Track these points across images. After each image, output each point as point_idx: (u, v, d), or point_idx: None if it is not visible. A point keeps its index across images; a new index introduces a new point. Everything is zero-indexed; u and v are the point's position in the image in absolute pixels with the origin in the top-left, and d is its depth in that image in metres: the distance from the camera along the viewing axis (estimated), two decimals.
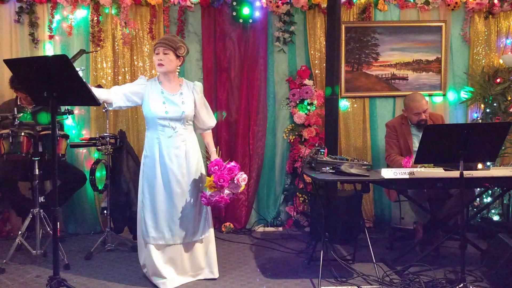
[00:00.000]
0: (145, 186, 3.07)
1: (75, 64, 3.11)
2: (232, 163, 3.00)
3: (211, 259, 3.23)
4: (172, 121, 3.03)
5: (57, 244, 2.66)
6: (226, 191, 2.96)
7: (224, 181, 2.90)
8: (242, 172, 3.01)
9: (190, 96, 3.11)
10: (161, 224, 3.03)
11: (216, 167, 2.95)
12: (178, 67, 3.09)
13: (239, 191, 3.03)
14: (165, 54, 2.98)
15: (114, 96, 2.99)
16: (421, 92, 4.18)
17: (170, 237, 3.05)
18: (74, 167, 4.27)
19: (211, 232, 3.24)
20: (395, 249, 3.92)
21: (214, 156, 3.19)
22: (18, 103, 4.02)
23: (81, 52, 3.96)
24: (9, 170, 3.85)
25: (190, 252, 3.16)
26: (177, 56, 3.03)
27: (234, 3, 4.37)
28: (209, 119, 3.24)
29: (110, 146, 3.86)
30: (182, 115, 3.03)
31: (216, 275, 3.23)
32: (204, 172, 3.21)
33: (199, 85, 3.18)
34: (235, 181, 2.95)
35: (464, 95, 4.70)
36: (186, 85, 3.14)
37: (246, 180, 3.03)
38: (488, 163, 3.30)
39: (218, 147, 3.35)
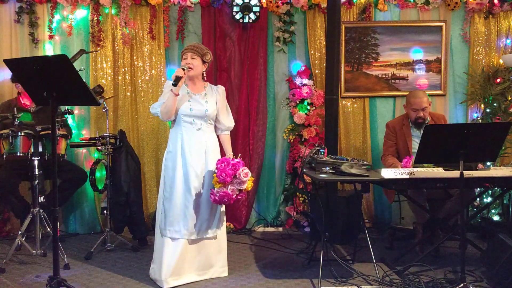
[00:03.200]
0: (166, 179, 3.19)
1: (75, 64, 3.12)
2: (237, 160, 3.08)
3: (223, 257, 3.30)
4: (196, 118, 3.19)
5: (57, 244, 2.66)
6: (230, 187, 3.02)
7: (227, 176, 2.98)
8: (245, 168, 3.06)
9: (213, 97, 3.28)
10: (178, 217, 3.12)
11: (223, 164, 3.03)
12: (204, 72, 3.26)
13: (245, 187, 3.06)
14: (193, 59, 3.20)
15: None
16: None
17: (185, 231, 3.11)
18: (74, 165, 4.26)
19: (224, 230, 3.31)
20: (395, 249, 3.92)
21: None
22: (23, 103, 3.99)
23: (81, 52, 3.97)
24: (11, 170, 3.84)
25: (203, 248, 3.21)
26: (203, 62, 3.23)
27: (234, 3, 4.37)
28: (228, 120, 3.37)
29: (110, 146, 3.86)
30: (205, 113, 3.19)
31: (226, 273, 3.30)
32: None
33: (222, 88, 3.39)
34: (237, 176, 3.00)
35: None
36: (210, 87, 3.34)
37: (249, 175, 3.06)
38: (488, 163, 3.30)
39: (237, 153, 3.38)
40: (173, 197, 3.13)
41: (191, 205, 3.12)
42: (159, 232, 3.17)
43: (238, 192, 3.06)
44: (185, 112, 3.16)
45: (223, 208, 3.29)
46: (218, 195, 3.02)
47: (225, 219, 3.34)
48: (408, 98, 3.87)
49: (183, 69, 3.10)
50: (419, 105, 3.77)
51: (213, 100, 3.26)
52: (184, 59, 3.20)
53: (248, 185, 3.07)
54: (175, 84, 3.02)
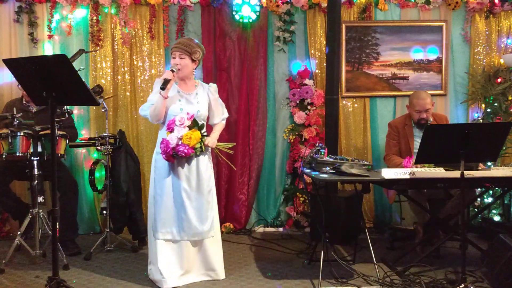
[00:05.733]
0: (156, 181, 3.14)
1: (74, 64, 3.11)
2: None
3: (218, 259, 3.25)
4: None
5: (56, 245, 2.65)
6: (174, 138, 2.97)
7: (167, 147, 2.96)
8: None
9: (204, 97, 3.21)
10: (169, 219, 3.09)
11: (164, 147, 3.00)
12: (194, 70, 3.21)
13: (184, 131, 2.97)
14: (181, 58, 3.10)
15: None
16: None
17: (177, 233, 3.09)
18: (66, 171, 4.05)
19: (218, 233, 3.27)
20: (395, 249, 3.91)
21: (212, 138, 3.16)
22: (24, 103, 3.97)
23: (80, 51, 3.95)
24: (2, 170, 3.81)
25: (197, 250, 3.18)
26: (193, 60, 3.13)
27: (234, 3, 4.36)
28: (222, 114, 3.33)
29: (109, 146, 3.86)
30: (197, 113, 3.10)
31: (222, 277, 3.24)
32: (212, 172, 3.26)
33: (213, 87, 3.29)
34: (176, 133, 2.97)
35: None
36: (201, 86, 3.25)
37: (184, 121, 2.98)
38: (489, 163, 3.29)
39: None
40: (163, 198, 3.09)
41: (182, 207, 3.08)
42: (152, 237, 3.13)
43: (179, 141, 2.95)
44: (175, 113, 3.05)
45: (216, 209, 3.24)
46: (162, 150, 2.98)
47: (218, 222, 3.28)
48: (412, 99, 3.85)
49: (173, 71, 3.01)
50: (422, 106, 3.75)
51: (204, 100, 3.19)
52: (173, 58, 3.10)
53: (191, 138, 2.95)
54: (163, 88, 2.93)
